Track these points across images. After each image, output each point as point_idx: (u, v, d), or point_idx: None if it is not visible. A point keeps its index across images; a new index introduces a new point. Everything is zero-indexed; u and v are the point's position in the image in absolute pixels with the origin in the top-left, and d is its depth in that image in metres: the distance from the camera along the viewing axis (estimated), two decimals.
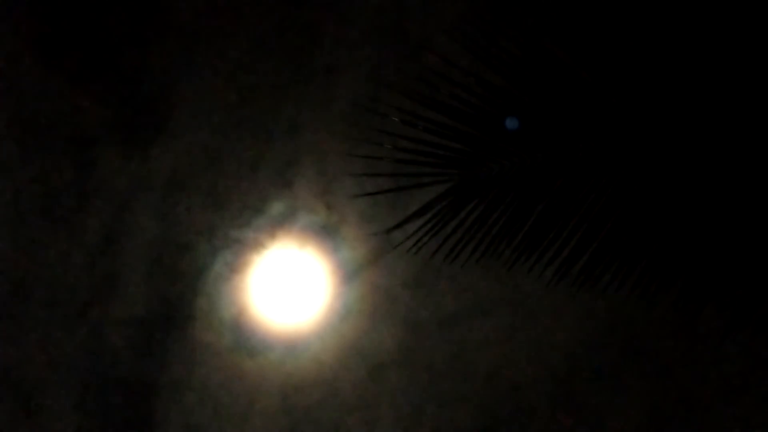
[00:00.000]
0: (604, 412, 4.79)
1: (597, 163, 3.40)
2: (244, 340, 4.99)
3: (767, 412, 4.67)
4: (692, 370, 4.76)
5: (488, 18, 3.28)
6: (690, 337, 4.68)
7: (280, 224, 5.01)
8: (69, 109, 5.27)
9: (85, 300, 5.16)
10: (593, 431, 4.78)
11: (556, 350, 4.82)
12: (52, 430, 5.09)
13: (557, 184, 3.43)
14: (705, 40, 3.19)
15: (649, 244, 3.39)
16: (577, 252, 3.46)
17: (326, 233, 4.94)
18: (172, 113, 5.16)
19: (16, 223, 5.26)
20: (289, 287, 4.95)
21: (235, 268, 5.04)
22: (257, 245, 5.02)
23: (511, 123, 3.37)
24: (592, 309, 4.64)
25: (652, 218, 3.38)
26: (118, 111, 5.23)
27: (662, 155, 3.35)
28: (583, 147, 3.40)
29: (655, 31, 3.21)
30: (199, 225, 5.10)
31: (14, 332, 5.18)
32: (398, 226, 3.58)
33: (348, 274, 4.92)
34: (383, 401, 4.90)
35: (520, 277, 4.60)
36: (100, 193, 5.21)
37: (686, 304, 3.41)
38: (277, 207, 5.02)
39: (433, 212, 3.51)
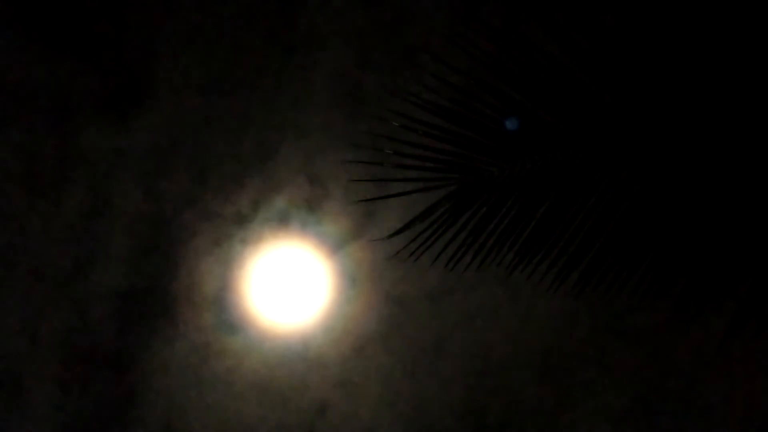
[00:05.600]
0: (589, 388, 4.77)
1: (597, 165, 3.37)
2: (226, 315, 4.94)
3: (752, 383, 4.66)
4: (678, 344, 4.73)
5: (486, 20, 3.23)
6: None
7: (262, 198, 4.94)
8: (49, 80, 5.18)
9: (66, 273, 5.10)
10: (578, 407, 4.76)
11: (541, 325, 4.78)
12: (31, 404, 5.05)
13: (558, 187, 3.40)
14: (705, 45, 3.16)
15: (651, 246, 3.36)
16: (578, 255, 3.43)
17: (309, 207, 4.87)
18: (154, 85, 5.08)
19: None
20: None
21: (217, 242, 4.98)
22: (239, 219, 4.96)
23: (511, 123, 3.34)
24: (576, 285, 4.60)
25: (653, 220, 3.35)
26: (100, 82, 5.14)
27: (663, 157, 3.32)
28: (584, 150, 3.37)
29: (655, 35, 3.17)
30: (181, 198, 5.03)
31: None
32: (398, 232, 3.54)
33: (331, 249, 4.86)
34: (368, 377, 4.87)
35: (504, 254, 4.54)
36: (81, 165, 5.14)
37: (688, 306, 3.38)
38: (259, 180, 4.95)
39: (434, 217, 3.47)
